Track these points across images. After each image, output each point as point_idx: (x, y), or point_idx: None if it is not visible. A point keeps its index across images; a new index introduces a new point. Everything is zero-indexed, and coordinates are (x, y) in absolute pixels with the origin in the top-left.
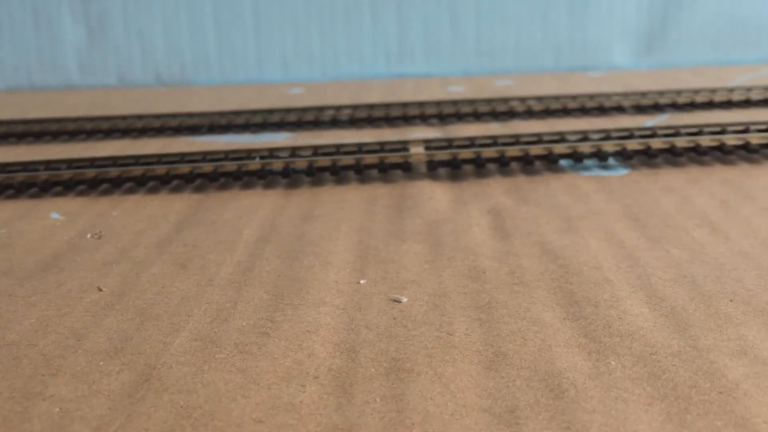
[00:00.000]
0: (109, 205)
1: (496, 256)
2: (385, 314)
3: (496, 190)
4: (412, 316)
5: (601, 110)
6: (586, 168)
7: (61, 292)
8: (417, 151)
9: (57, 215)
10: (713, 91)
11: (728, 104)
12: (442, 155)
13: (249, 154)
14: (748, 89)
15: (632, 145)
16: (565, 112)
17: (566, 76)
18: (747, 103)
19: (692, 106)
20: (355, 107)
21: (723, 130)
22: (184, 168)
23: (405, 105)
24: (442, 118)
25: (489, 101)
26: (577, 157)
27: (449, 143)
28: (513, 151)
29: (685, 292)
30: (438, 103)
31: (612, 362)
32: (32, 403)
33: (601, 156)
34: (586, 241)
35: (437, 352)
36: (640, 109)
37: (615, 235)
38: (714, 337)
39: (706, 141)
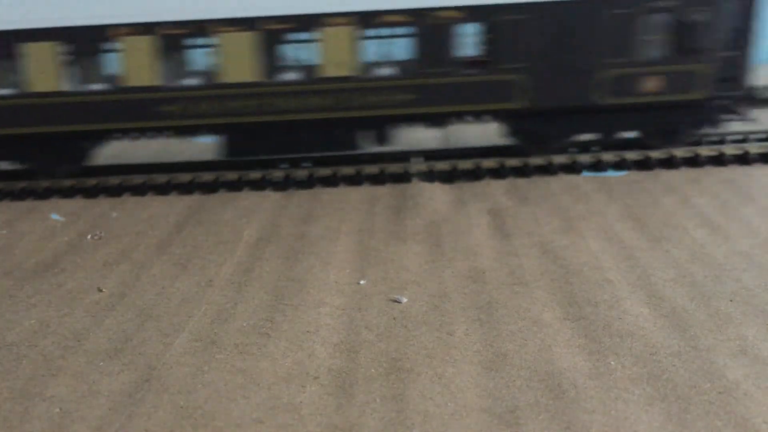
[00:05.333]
0: (109, 206)
1: (496, 257)
2: (385, 315)
3: (496, 190)
4: (412, 316)
5: None
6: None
7: (61, 293)
8: (416, 159)
9: (57, 216)
10: None
11: None
12: (443, 165)
13: (249, 163)
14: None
15: (631, 156)
16: None
17: None
18: None
19: None
20: None
21: (721, 139)
22: (185, 177)
23: None
24: None
25: None
26: (577, 168)
27: (449, 153)
28: (513, 161)
29: (685, 292)
30: None
31: (612, 362)
32: (32, 403)
33: (600, 167)
34: (586, 242)
35: (437, 353)
36: None
37: (615, 235)
38: (714, 337)
39: (704, 151)
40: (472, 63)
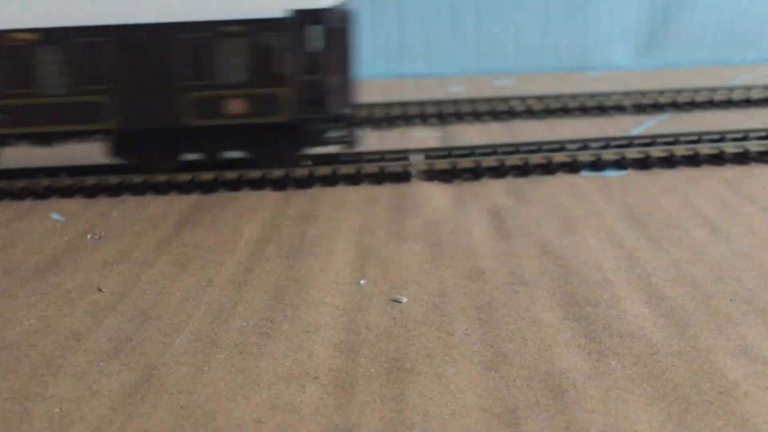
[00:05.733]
0: (109, 205)
1: (496, 256)
2: (385, 314)
3: (496, 190)
4: (412, 316)
5: (601, 110)
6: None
7: (61, 293)
8: (417, 158)
9: (57, 216)
10: (713, 90)
11: (728, 104)
12: (442, 164)
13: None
14: (748, 88)
15: (631, 153)
16: (564, 111)
17: (566, 76)
18: (747, 103)
19: (692, 105)
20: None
21: (722, 137)
22: (185, 177)
23: (405, 104)
24: (442, 118)
25: (489, 101)
26: (575, 167)
27: (449, 152)
28: (513, 159)
29: (685, 292)
30: (438, 103)
31: (612, 362)
32: (32, 403)
33: (599, 165)
34: (586, 241)
35: (437, 352)
36: (639, 109)
37: (615, 235)
38: (714, 337)
39: (704, 149)
40: (59, 84)
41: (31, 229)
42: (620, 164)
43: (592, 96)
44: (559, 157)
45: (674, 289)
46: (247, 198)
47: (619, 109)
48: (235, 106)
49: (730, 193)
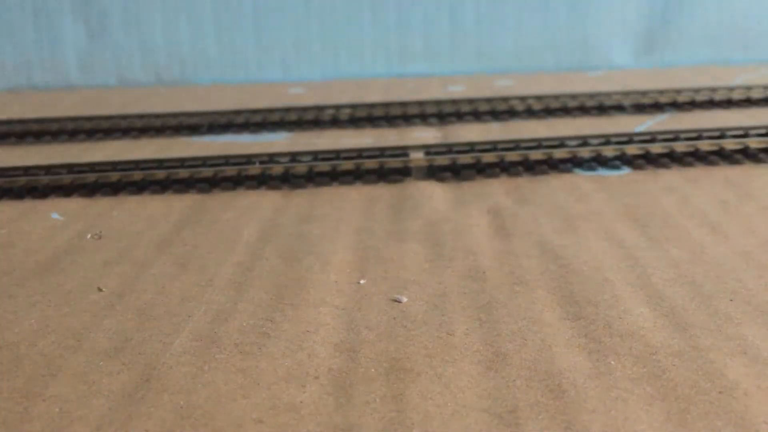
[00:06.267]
0: (109, 205)
1: (496, 256)
2: (385, 314)
3: (496, 189)
4: (412, 316)
5: (601, 109)
6: (586, 166)
7: (61, 293)
8: (417, 156)
9: (57, 215)
10: (713, 90)
11: (728, 103)
12: (442, 160)
13: (249, 159)
14: (749, 88)
15: (632, 149)
16: (565, 111)
17: (566, 76)
18: (747, 102)
19: (692, 105)
20: (354, 107)
21: (722, 134)
22: (184, 173)
23: (405, 104)
24: (442, 118)
25: (489, 101)
26: (576, 162)
27: (449, 148)
28: (513, 155)
29: (685, 292)
30: (438, 103)
31: (612, 362)
32: (32, 403)
33: (600, 161)
34: (587, 241)
35: (437, 352)
36: (640, 109)
37: (615, 235)
38: (714, 337)
39: (705, 145)
40: None
41: (31, 229)
42: (620, 163)
43: (592, 96)
44: (559, 154)
45: (674, 289)
46: (247, 197)
47: (619, 108)
48: None
49: (730, 192)
